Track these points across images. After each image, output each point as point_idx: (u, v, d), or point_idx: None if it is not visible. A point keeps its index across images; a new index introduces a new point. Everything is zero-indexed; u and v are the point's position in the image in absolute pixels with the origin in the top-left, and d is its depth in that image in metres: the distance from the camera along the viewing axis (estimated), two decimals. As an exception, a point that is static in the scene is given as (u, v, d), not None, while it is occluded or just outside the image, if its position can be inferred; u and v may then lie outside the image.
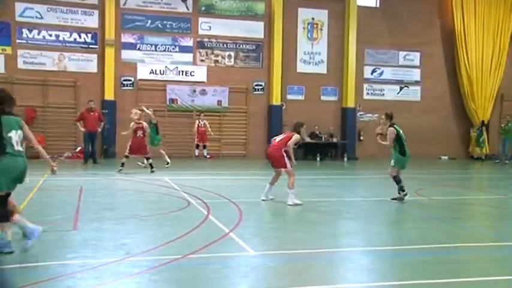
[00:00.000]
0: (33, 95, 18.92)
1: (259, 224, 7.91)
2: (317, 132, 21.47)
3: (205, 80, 20.90)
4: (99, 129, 17.16)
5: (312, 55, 22.08)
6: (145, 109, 16.24)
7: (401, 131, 9.94)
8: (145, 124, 14.72)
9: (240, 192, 10.54)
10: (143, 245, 6.17)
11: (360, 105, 22.55)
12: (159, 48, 20.38)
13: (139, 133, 14.30)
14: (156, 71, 20.41)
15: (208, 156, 19.65)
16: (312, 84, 21.91)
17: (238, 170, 15.98)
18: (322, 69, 22.21)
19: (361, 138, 22.50)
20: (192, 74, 20.77)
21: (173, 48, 20.54)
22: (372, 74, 22.83)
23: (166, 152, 16.93)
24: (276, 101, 21.33)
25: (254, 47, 21.40)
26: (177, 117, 20.47)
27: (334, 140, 21.60)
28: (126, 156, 14.34)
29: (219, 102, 20.97)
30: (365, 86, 22.77)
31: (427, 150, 22.51)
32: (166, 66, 20.47)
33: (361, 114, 22.65)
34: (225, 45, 21.11)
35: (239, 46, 21.25)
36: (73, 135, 19.08)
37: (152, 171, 14.06)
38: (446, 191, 12.37)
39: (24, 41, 18.96)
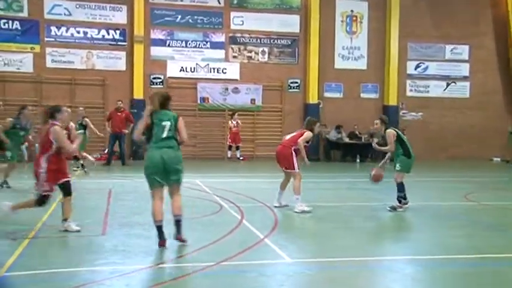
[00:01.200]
0: (61, 94, 19.34)
1: (295, 230, 7.90)
2: (356, 132, 21.28)
3: (238, 77, 20.99)
4: (126, 131, 17.37)
5: (351, 50, 21.90)
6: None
7: (400, 132, 9.73)
8: (71, 124, 14.30)
9: (275, 196, 10.54)
10: (174, 251, 6.24)
11: (403, 103, 22.23)
12: (189, 44, 20.59)
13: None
14: (186, 68, 20.62)
15: (241, 158, 19.73)
16: (351, 81, 21.72)
17: (273, 172, 15.92)
18: (362, 64, 22.00)
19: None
20: (224, 71, 20.89)
21: (204, 45, 20.71)
22: (415, 69, 22.47)
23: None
24: (313, 99, 21.24)
25: (289, 42, 21.37)
26: (208, 116, 20.62)
27: (375, 140, 21.30)
28: (75, 158, 14.43)
29: (253, 101, 21.03)
30: (408, 82, 22.43)
31: (477, 152, 22.00)
32: (197, 63, 20.66)
33: (404, 113, 22.32)
34: (258, 41, 21.16)
35: (273, 41, 21.26)
36: (101, 136, 19.36)
37: (85, 172, 14.23)
38: (498, 195, 12.06)
39: (53, 39, 19.47)
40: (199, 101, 20.65)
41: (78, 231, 6.99)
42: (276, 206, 9.28)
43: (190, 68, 20.63)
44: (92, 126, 15.79)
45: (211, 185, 12.09)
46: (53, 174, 6.93)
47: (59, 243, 6.49)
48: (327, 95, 21.70)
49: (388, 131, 9.54)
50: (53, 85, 19.31)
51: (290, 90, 21.43)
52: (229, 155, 19.59)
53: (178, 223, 6.39)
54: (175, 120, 6.44)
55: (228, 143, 19.75)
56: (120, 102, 17.59)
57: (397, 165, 9.52)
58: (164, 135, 6.35)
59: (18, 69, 19.15)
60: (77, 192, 10.67)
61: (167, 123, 6.37)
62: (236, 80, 20.96)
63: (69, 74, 19.50)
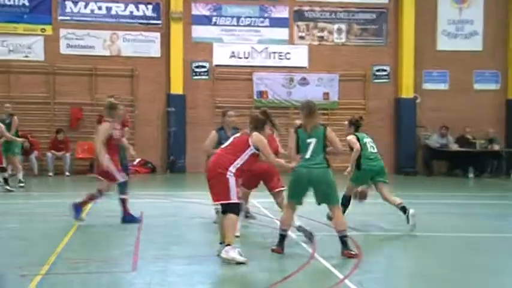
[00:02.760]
0: (79, 88, 19.99)
1: (384, 268, 7.79)
2: (469, 136, 20.80)
3: (306, 64, 21.01)
4: (123, 138, 16.77)
5: (461, 25, 21.47)
6: None
7: (365, 140, 10.40)
8: None
9: (357, 222, 10.45)
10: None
11: (536, 96, 21.59)
12: (242, 22, 20.78)
13: None
14: (238, 53, 20.80)
15: (310, 171, 19.66)
16: (461, 68, 21.29)
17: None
18: (476, 44, 21.52)
19: (537, 144, 21.48)
20: (288, 56, 20.94)
21: (262, 22, 20.85)
22: (554, 48, 21.75)
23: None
24: (407, 92, 20.98)
25: (374, 17, 21.20)
26: (267, 116, 20.60)
27: (496, 147, 20.77)
28: None
29: (326, 95, 20.96)
30: (543, 67, 21.76)
31: None
32: (252, 47, 20.80)
33: (535, 110, 21.67)
34: (333, 15, 21.10)
35: (353, 16, 21.15)
36: (130, 143, 19.62)
37: (8, 189, 14.16)
38: None
39: (68, 17, 20.11)
40: (255, 96, 20.76)
41: (243, 263, 7.29)
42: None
43: (244, 53, 20.80)
44: (15, 128, 15.56)
45: (272, 206, 12.08)
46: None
47: (79, 281, 6.65)
48: (426, 86, 21.37)
49: (348, 137, 10.46)
50: (69, 77, 19.95)
51: (376, 80, 21.24)
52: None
53: (341, 239, 7.88)
54: (323, 134, 7.95)
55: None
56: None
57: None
58: (308, 155, 7.86)
59: (26, 56, 19.90)
60: (101, 216, 10.98)
61: (312, 141, 7.88)
62: (304, 68, 20.98)
63: (89, 62, 20.10)
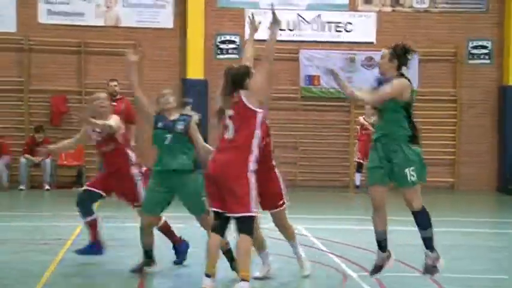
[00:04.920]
0: (63, 71, 20.07)
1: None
2: None
3: (373, 39, 20.95)
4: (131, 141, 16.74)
5: None
6: None
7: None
8: None
9: (451, 261, 10.33)
10: None
11: None
12: (285, -20, 20.77)
13: None
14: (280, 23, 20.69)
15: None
16: None
17: (441, 216, 15.60)
18: None
19: None
20: (349, 28, 20.87)
21: (312, -20, 20.83)
22: None
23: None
24: (517, 77, 20.77)
25: (471, -28, 21.07)
26: (320, 111, 20.65)
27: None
28: None
29: (401, 82, 20.77)
30: None
31: None
32: (299, 15, 20.76)
33: None
34: (412, -29, 21.03)
35: (441, -29, 21.05)
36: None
37: None
38: None
39: (49, -25, 20.25)
40: (303, 83, 20.68)
41: None
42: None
43: (288, 23, 20.73)
44: None
45: (325, 235, 12.03)
46: None
47: None
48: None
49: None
50: (49, 55, 20.03)
51: (472, 61, 21.11)
52: (358, 182, 19.41)
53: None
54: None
55: (356, 158, 19.56)
56: (114, 83, 16.91)
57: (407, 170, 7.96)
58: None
59: (-9, 28, 20.08)
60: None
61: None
62: (371, 43, 20.91)
63: (76, 35, 20.21)
